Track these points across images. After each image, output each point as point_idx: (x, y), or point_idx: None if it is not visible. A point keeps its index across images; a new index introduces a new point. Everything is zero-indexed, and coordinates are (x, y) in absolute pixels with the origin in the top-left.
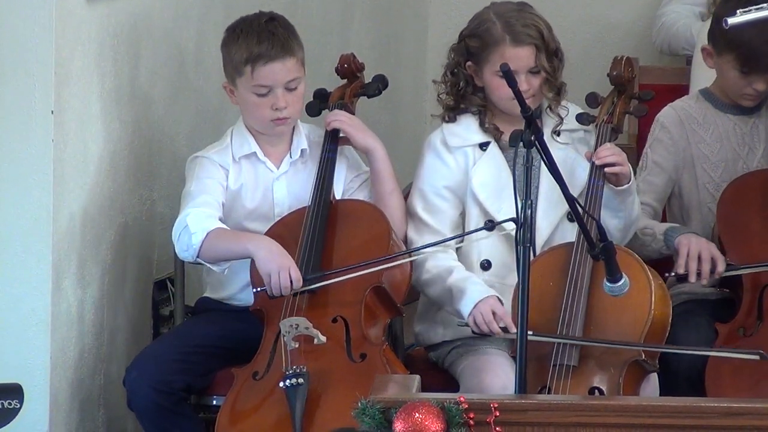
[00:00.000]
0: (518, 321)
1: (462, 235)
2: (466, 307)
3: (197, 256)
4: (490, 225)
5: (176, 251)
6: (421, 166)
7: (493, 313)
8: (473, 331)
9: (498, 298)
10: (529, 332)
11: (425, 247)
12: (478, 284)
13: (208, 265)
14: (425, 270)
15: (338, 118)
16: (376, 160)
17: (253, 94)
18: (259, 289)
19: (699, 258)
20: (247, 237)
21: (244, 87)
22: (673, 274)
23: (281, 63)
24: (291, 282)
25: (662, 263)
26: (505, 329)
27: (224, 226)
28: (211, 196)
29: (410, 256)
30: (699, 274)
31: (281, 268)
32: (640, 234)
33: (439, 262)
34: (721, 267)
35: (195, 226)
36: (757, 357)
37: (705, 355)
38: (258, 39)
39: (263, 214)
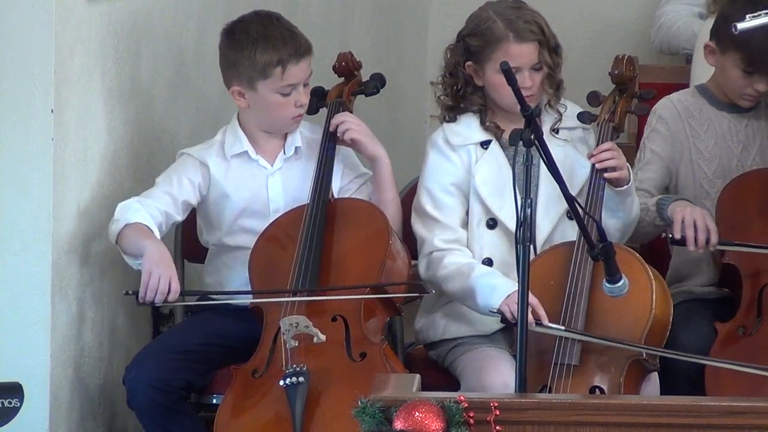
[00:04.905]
0: (518, 319)
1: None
2: (498, 298)
3: (116, 243)
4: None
5: None
6: (426, 164)
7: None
8: (504, 320)
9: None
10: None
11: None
12: (503, 277)
13: (124, 256)
14: (443, 266)
15: (350, 127)
16: (381, 169)
17: (278, 95)
18: (129, 291)
19: (695, 226)
20: (150, 238)
21: (269, 89)
22: (669, 236)
23: (306, 60)
24: (169, 292)
25: (662, 262)
26: (539, 322)
27: (147, 223)
28: (168, 192)
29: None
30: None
31: (163, 274)
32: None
33: (458, 259)
34: (714, 238)
35: (119, 214)
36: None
37: (712, 363)
38: (283, 40)
39: (258, 211)
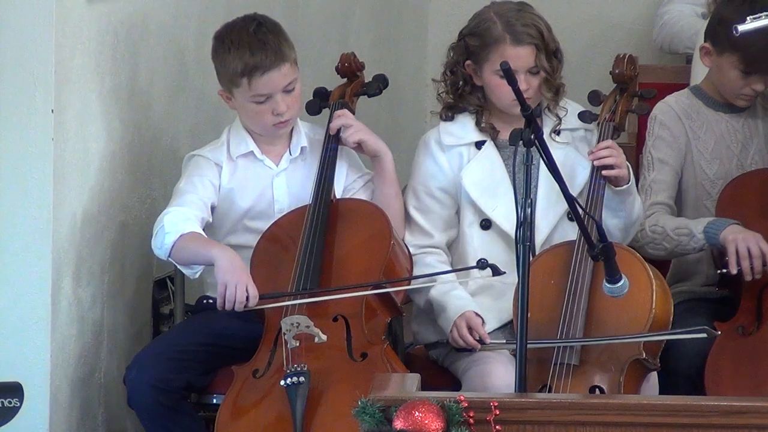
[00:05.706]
0: (518, 319)
1: (455, 271)
2: (447, 324)
3: (168, 256)
4: (483, 263)
5: (152, 247)
6: (416, 164)
7: (468, 327)
8: (455, 348)
9: (475, 312)
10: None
11: (424, 276)
12: (456, 299)
13: (179, 266)
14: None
15: (353, 129)
16: (384, 164)
17: (252, 103)
18: (209, 300)
19: (749, 254)
20: (216, 245)
21: (242, 97)
22: (723, 271)
23: (277, 71)
24: (247, 298)
25: (662, 262)
26: (480, 341)
27: (199, 230)
28: (197, 196)
29: (409, 283)
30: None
31: (239, 282)
32: (674, 234)
33: (425, 270)
34: None
35: (170, 226)
36: (704, 335)
37: (652, 339)
38: (250, 50)
39: (262, 211)
